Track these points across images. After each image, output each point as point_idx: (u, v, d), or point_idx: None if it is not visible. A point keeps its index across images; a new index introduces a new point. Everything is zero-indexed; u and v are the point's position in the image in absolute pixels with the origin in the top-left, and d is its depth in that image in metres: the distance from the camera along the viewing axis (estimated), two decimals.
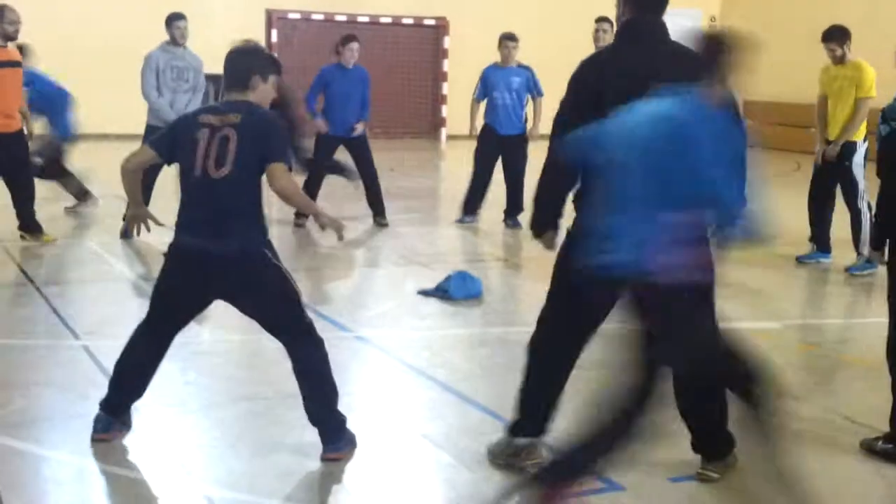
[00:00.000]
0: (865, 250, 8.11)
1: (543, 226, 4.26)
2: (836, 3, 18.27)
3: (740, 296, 7.29)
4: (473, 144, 10.47)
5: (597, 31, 9.19)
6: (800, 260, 8.68)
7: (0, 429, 4.58)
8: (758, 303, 7.53)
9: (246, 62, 4.35)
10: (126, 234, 8.99)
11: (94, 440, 4.40)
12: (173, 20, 9.04)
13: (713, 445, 4.28)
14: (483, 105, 10.29)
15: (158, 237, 8.76)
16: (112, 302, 7.04)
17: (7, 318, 6.59)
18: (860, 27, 15.94)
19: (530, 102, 10.25)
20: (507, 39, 10.05)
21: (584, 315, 4.12)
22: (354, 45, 9.91)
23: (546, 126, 4.52)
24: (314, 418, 4.34)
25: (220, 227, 4.15)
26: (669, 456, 4.36)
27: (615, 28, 4.35)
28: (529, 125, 10.16)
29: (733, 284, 8.10)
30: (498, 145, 10.06)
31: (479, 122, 10.32)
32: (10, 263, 8.03)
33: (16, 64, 8.35)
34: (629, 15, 4.09)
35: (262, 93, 4.35)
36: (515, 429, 4.34)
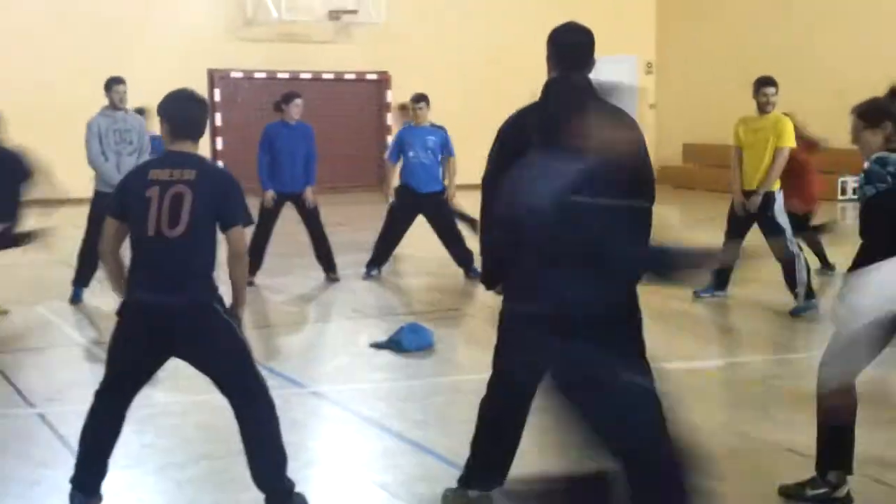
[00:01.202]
0: (801, 291, 8.35)
1: (494, 279, 4.34)
2: (774, 46, 18.80)
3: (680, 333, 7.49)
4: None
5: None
6: (697, 294, 8.95)
7: None
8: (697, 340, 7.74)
9: (199, 112, 4.40)
10: (76, 299, 9.01)
11: None
12: (112, 84, 9.10)
13: None
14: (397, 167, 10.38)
15: (108, 301, 8.79)
16: (65, 368, 7.07)
17: None
18: (791, 67, 16.48)
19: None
20: (416, 101, 10.25)
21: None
22: (299, 101, 10.05)
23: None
24: (261, 482, 4.32)
25: (173, 284, 4.18)
26: None
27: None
28: (446, 183, 10.26)
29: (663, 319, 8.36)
30: (416, 205, 10.18)
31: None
32: None
33: None
34: (554, 73, 4.25)
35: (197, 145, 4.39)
36: (468, 481, 4.42)
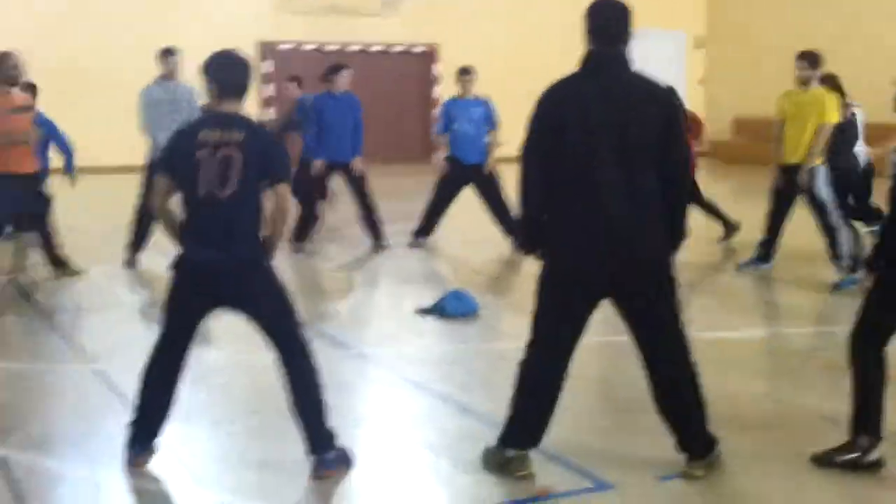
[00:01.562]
0: (846, 263, 8.36)
1: (531, 244, 4.49)
2: (818, 22, 18.65)
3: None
4: None
5: None
6: (741, 267, 9.00)
7: (22, 448, 4.81)
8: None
9: (244, 72, 4.49)
10: (130, 264, 9.25)
11: (130, 465, 4.55)
12: (166, 55, 9.29)
13: (696, 445, 4.51)
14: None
15: (158, 264, 9.03)
16: (119, 328, 7.28)
17: (20, 345, 6.83)
18: (839, 45, 16.32)
19: None
20: (464, 74, 10.35)
21: (573, 318, 4.37)
22: (345, 72, 10.22)
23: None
24: (308, 429, 4.48)
25: (224, 242, 4.34)
26: (657, 455, 4.61)
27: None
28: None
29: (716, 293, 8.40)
30: (462, 175, 10.30)
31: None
32: (17, 295, 8.26)
33: (23, 110, 8.37)
34: (590, 47, 4.36)
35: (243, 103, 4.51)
36: (506, 440, 4.55)
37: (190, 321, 4.55)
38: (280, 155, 4.51)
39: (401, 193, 14.78)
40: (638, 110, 4.22)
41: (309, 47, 19.01)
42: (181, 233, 4.48)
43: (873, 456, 4.50)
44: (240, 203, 4.35)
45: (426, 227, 10.47)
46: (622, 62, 4.32)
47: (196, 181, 4.34)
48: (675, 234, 4.38)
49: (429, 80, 20.14)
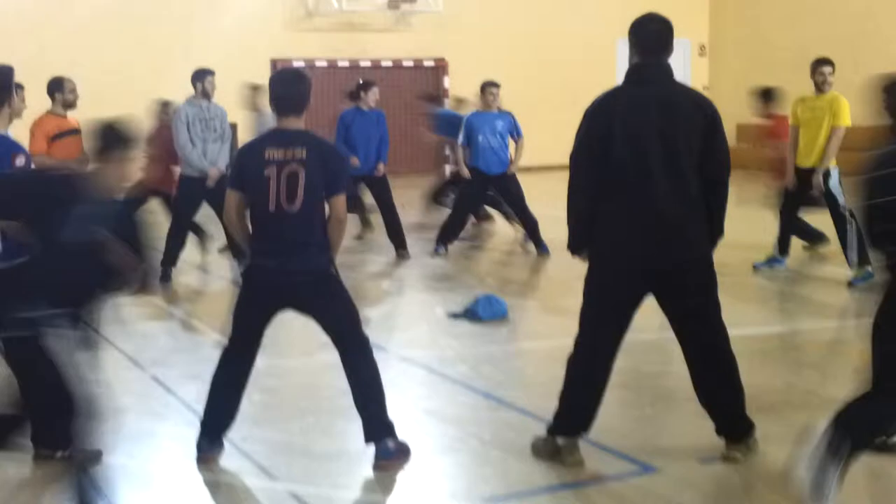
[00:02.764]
0: (852, 254, 8.69)
1: (578, 244, 4.78)
2: (822, 30, 18.95)
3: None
4: None
5: None
6: (756, 267, 9.28)
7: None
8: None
9: (303, 88, 4.77)
10: (164, 278, 9.53)
11: (199, 461, 4.85)
12: (204, 75, 9.57)
13: (735, 429, 4.81)
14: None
15: (192, 279, 9.33)
16: (166, 337, 7.59)
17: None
18: (844, 52, 16.62)
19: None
20: (491, 86, 10.65)
21: (619, 314, 4.68)
22: (376, 89, 10.61)
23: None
24: (368, 421, 4.79)
25: (294, 252, 4.66)
26: (698, 440, 4.91)
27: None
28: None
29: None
30: (484, 186, 10.64)
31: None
32: None
33: (78, 132, 8.62)
34: (636, 59, 4.66)
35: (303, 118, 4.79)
36: (556, 429, 4.84)
37: (258, 326, 4.86)
38: (339, 169, 4.84)
39: (415, 204, 15.07)
40: (684, 117, 4.54)
41: (321, 63, 19.35)
42: (253, 244, 4.79)
43: None
44: (307, 215, 4.66)
45: (447, 236, 10.76)
46: (666, 72, 4.64)
47: (266, 197, 4.64)
48: (715, 232, 4.70)
49: (439, 93, 20.45)
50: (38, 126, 8.41)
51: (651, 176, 4.51)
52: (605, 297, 4.69)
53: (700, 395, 4.82)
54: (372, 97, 10.55)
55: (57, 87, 8.63)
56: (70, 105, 8.68)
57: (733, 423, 4.80)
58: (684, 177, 4.54)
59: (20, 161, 4.74)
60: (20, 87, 5.38)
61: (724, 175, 4.68)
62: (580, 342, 4.78)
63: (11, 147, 4.79)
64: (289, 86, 4.81)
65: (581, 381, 4.77)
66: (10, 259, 4.64)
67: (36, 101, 7.84)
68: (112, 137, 4.24)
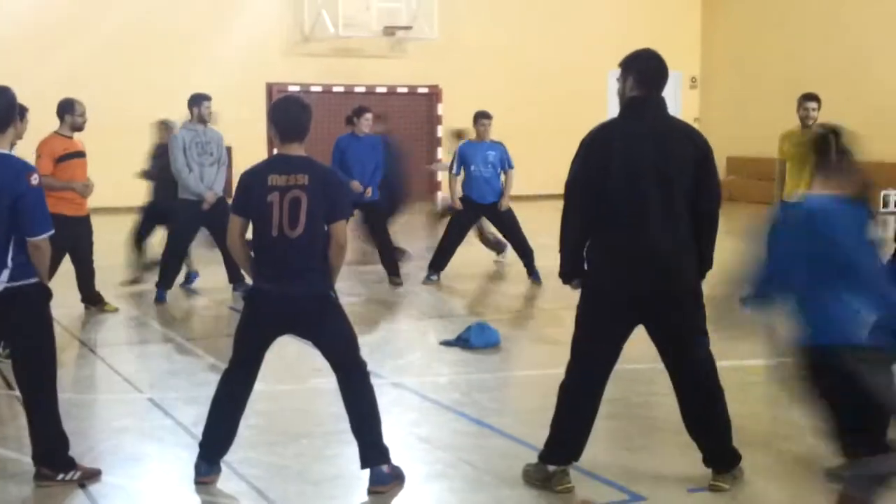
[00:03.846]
0: None
1: (569, 273, 4.90)
2: (814, 63, 19.21)
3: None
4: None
5: None
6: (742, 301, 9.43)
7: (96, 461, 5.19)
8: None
9: (305, 116, 4.89)
10: (159, 300, 9.63)
11: (197, 483, 4.94)
12: (200, 101, 9.70)
13: (722, 459, 4.93)
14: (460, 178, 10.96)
15: (187, 301, 9.40)
16: (163, 360, 7.68)
17: (72, 377, 7.19)
18: (832, 84, 16.85)
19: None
20: (483, 117, 10.80)
21: (611, 342, 4.81)
22: (368, 115, 10.74)
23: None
24: (365, 445, 4.87)
25: (295, 276, 4.77)
26: (686, 470, 5.03)
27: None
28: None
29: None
30: (475, 214, 10.83)
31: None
32: (62, 330, 8.61)
33: (83, 154, 8.83)
34: (634, 92, 4.79)
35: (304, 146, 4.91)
36: (548, 456, 4.95)
37: (258, 349, 4.97)
38: (340, 195, 4.95)
39: (408, 231, 15.18)
40: (678, 151, 4.70)
41: (316, 88, 19.51)
42: (255, 268, 4.90)
43: None
44: (309, 241, 4.77)
45: (438, 263, 10.88)
46: (660, 106, 4.81)
47: (269, 222, 4.76)
48: (705, 263, 4.83)
49: (433, 120, 20.66)
50: (46, 146, 8.52)
51: (645, 210, 4.65)
52: (597, 326, 4.81)
53: (687, 425, 4.94)
54: (364, 123, 10.70)
55: (68, 108, 8.74)
56: (78, 128, 8.81)
57: (720, 453, 4.92)
58: (677, 211, 4.68)
59: (35, 179, 4.79)
60: (25, 109, 5.48)
61: (715, 209, 4.83)
62: (572, 370, 4.90)
63: (24, 166, 4.85)
64: (291, 113, 4.90)
65: (572, 409, 4.89)
66: (20, 278, 4.76)
67: (40, 123, 7.91)
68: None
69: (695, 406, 4.87)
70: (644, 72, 4.77)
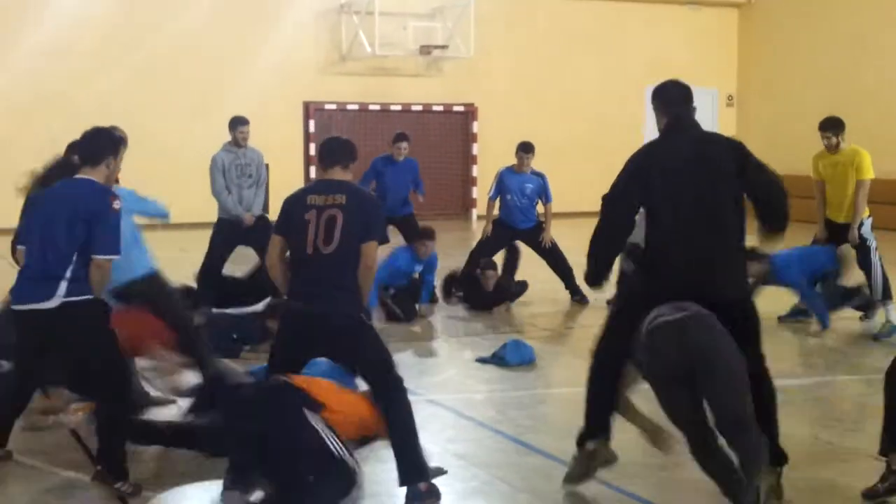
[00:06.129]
0: (878, 295, 8.92)
1: (595, 282, 5.12)
2: (851, 79, 19.11)
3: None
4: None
5: None
6: (781, 319, 9.44)
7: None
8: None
9: (348, 148, 5.20)
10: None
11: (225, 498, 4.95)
12: (237, 125, 9.85)
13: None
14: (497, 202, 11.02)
15: None
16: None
17: None
18: (870, 102, 16.76)
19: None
20: (524, 151, 10.77)
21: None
22: (403, 145, 10.98)
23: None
24: (403, 462, 4.88)
25: (328, 296, 4.84)
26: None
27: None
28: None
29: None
30: (512, 236, 10.87)
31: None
32: None
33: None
34: (666, 118, 5.04)
35: (349, 173, 5.17)
36: (585, 437, 5.14)
37: (293, 368, 5.01)
38: (375, 216, 5.03)
39: (443, 249, 15.20)
40: (719, 154, 4.92)
41: (352, 107, 19.65)
42: (290, 286, 4.97)
43: None
44: (341, 258, 4.84)
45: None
46: (694, 123, 5.03)
47: (305, 239, 4.86)
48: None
49: (468, 138, 20.73)
50: None
51: (691, 227, 4.81)
52: (633, 325, 4.89)
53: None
54: (396, 151, 10.93)
55: None
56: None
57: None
58: (722, 222, 4.84)
59: (118, 205, 5.04)
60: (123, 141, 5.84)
61: (772, 191, 4.96)
62: (604, 343, 5.10)
63: (108, 191, 5.10)
64: (333, 143, 5.25)
65: (602, 389, 5.08)
66: (77, 293, 4.89)
67: None
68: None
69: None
70: (670, 95, 5.08)
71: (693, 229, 4.79)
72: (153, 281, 6.43)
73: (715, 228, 4.80)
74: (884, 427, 5.00)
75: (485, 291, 10.23)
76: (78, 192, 5.05)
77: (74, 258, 4.92)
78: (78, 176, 5.17)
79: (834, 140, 9.09)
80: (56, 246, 4.95)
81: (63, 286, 4.91)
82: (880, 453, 4.99)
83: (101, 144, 5.20)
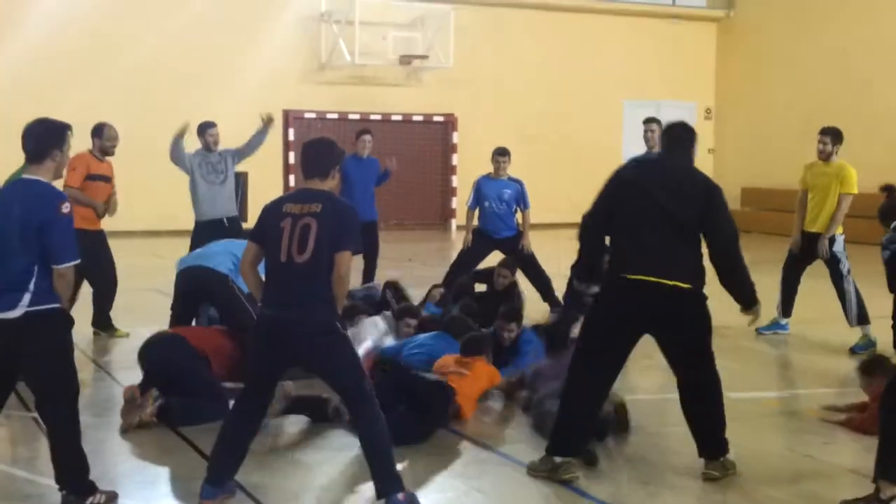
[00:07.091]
0: (852, 314, 8.98)
1: (588, 279, 5.73)
2: (829, 94, 19.28)
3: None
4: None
5: (646, 131, 9.84)
6: (759, 332, 9.48)
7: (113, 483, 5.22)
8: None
9: (328, 155, 5.06)
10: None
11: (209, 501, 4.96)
12: (206, 128, 9.84)
13: (713, 447, 5.40)
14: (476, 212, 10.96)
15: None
16: None
17: (88, 399, 7.19)
18: (847, 116, 16.86)
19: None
20: (499, 155, 10.74)
21: (619, 339, 5.33)
22: (367, 137, 10.93)
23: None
24: (377, 473, 4.86)
25: (300, 304, 4.80)
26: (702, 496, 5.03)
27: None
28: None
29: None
30: (490, 246, 10.80)
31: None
32: (79, 353, 8.64)
33: (108, 179, 9.08)
34: (658, 149, 5.58)
35: (334, 182, 5.08)
36: (553, 449, 5.34)
37: (268, 378, 5.01)
38: (349, 226, 4.95)
39: (422, 258, 15.22)
40: (683, 189, 5.33)
41: (332, 116, 19.65)
42: (263, 294, 4.95)
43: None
44: (315, 267, 4.80)
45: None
46: (679, 159, 5.49)
47: (279, 247, 4.83)
48: (745, 298, 5.55)
49: (448, 148, 20.77)
50: (80, 161, 8.78)
51: (651, 240, 5.25)
52: (602, 339, 5.33)
53: (688, 418, 5.46)
54: (361, 145, 10.91)
55: (97, 132, 9.10)
56: (106, 152, 9.12)
57: (711, 441, 5.40)
58: (680, 243, 5.28)
59: (66, 208, 4.77)
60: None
61: (727, 242, 5.41)
62: (578, 360, 5.41)
63: (56, 195, 4.83)
64: (314, 151, 5.10)
65: (576, 406, 5.35)
66: (42, 303, 4.76)
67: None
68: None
69: (695, 403, 5.42)
70: (670, 135, 5.62)
71: (650, 227, 5.25)
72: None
73: (670, 230, 5.23)
74: (878, 454, 4.95)
75: (495, 290, 10.02)
76: (25, 199, 4.74)
77: (36, 269, 4.71)
78: (24, 176, 4.85)
79: (829, 147, 9.15)
80: (15, 257, 4.71)
81: (27, 297, 4.70)
82: (873, 480, 4.98)
83: (42, 137, 4.85)
